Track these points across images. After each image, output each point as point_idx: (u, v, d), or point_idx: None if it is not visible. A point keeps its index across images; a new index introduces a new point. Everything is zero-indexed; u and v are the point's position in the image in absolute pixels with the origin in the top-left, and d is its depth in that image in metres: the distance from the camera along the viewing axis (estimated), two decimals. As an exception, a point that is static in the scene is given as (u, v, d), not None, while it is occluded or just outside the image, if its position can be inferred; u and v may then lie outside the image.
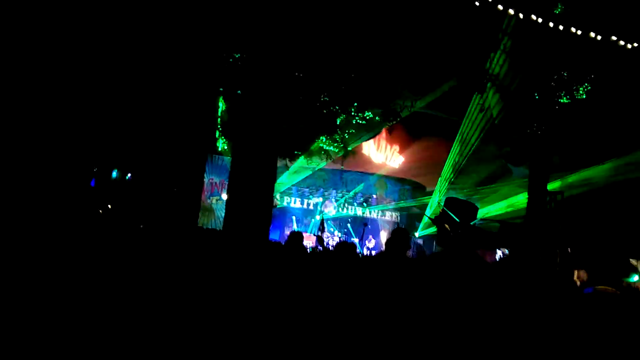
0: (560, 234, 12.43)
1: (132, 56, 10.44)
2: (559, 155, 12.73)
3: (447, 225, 2.46)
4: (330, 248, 17.34)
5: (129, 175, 14.42)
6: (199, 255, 6.02)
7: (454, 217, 2.39)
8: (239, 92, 10.23)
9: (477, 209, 2.52)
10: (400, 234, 3.77)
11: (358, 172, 19.98)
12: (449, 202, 2.56)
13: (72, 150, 11.61)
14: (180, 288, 4.74)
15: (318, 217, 20.48)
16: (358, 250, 14.01)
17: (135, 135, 13.01)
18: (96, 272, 4.99)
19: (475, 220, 2.42)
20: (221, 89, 10.99)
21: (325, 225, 18.78)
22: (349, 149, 14.97)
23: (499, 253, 18.54)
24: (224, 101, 11.80)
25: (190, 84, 11.17)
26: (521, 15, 10.76)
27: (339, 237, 20.48)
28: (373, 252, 19.20)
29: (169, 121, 12.83)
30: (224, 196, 16.75)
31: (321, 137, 13.10)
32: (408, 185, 21.65)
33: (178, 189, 14.87)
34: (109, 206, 13.18)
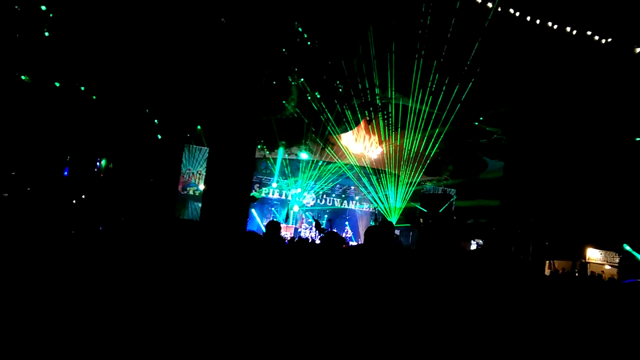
0: (533, 225, 12.70)
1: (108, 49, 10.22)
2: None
3: (421, 219, 2.50)
4: (310, 240, 17.38)
5: (99, 163, 14.13)
6: (176, 245, 5.95)
7: (422, 208, 2.43)
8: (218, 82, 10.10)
9: (448, 196, 2.56)
10: (385, 227, 3.78)
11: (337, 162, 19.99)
12: (422, 197, 2.60)
13: (46, 139, 11.32)
14: (158, 278, 4.68)
15: (297, 209, 20.46)
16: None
17: (111, 125, 12.75)
18: (73, 262, 4.89)
19: (445, 205, 2.46)
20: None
21: (289, 216, 18.80)
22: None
23: (474, 244, 18.88)
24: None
25: (168, 74, 10.98)
26: (499, 9, 10.87)
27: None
28: (352, 243, 19.30)
29: (145, 110, 12.60)
30: (202, 186, 16.59)
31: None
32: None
33: (155, 180, 14.65)
34: (84, 196, 12.92)
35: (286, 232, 18.58)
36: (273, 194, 20.86)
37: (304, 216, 21.44)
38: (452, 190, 18.74)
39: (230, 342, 3.62)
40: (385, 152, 19.02)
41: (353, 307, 2.70)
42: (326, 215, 21.37)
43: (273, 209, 20.86)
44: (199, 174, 17.69)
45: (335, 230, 5.07)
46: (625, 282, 2.47)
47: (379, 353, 2.48)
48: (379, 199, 20.43)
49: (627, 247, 12.70)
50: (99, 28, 9.88)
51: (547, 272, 15.67)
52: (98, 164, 14.25)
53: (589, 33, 11.16)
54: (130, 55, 10.42)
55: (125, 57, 10.48)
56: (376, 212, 22.32)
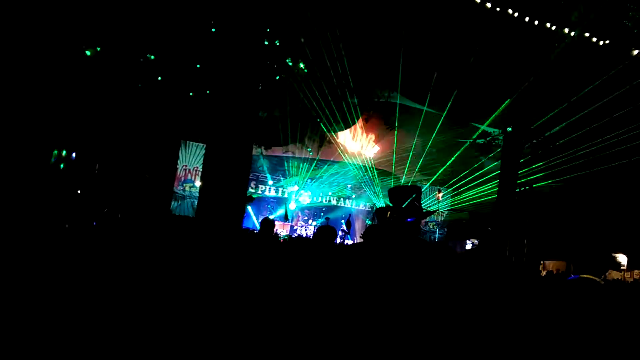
0: (528, 225, 12.74)
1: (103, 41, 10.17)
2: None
3: (388, 212, 2.55)
4: (304, 236, 17.37)
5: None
6: (171, 241, 5.94)
7: (389, 203, 2.48)
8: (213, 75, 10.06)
9: (414, 190, 2.62)
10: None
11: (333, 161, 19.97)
12: (389, 191, 2.66)
13: (42, 134, 11.28)
14: (153, 274, 4.68)
15: (293, 206, 20.45)
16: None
17: (107, 120, 12.71)
18: (67, 257, 4.87)
19: (408, 200, 2.51)
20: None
21: (288, 214, 18.81)
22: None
23: (469, 244, 18.92)
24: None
25: (164, 70, 10.95)
26: (498, 9, 10.88)
27: (314, 226, 20.52)
28: (348, 242, 19.33)
29: (142, 107, 12.56)
30: (198, 183, 16.57)
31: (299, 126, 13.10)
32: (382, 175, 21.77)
33: (150, 176, 14.62)
34: (79, 192, 12.88)
35: (282, 230, 18.58)
36: (269, 192, 20.85)
37: (300, 214, 21.44)
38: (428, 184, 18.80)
39: (225, 338, 3.61)
40: (382, 150, 19.03)
41: (343, 307, 2.70)
42: (322, 214, 21.38)
43: (269, 206, 20.85)
44: (195, 171, 17.65)
45: (329, 225, 5.10)
46: (570, 279, 2.51)
47: (371, 350, 2.48)
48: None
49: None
50: (96, 24, 9.85)
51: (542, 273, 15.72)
52: (93, 159, 14.21)
53: (586, 35, 11.18)
54: (126, 51, 10.39)
55: (121, 53, 10.45)
56: (374, 210, 22.32)
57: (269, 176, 19.86)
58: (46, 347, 3.26)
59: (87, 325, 3.58)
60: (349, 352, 2.79)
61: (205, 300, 4.13)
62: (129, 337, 3.54)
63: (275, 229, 6.28)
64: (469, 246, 19.79)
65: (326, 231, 4.17)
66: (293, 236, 17.18)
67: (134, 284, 4.46)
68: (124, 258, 5.07)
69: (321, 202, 21.66)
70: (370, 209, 22.62)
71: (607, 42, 11.36)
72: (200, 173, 16.10)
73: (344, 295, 3.08)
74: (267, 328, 3.47)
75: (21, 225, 5.56)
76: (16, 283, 4.06)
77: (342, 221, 20.90)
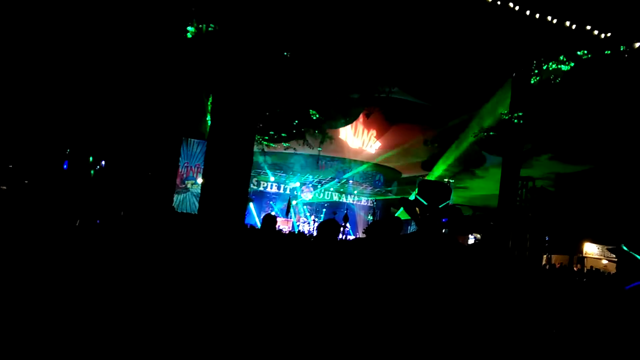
0: (531, 220, 12.70)
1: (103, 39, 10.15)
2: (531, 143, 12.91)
3: (417, 209, 2.48)
4: (306, 232, 17.38)
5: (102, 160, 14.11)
6: (174, 238, 5.95)
7: (422, 200, 2.41)
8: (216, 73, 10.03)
9: (449, 190, 2.55)
10: (392, 222, 3.73)
11: (335, 157, 19.92)
12: (422, 185, 2.58)
13: (45, 133, 11.28)
14: (157, 271, 4.68)
15: (294, 202, 20.45)
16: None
17: (109, 118, 12.71)
18: (71, 255, 4.88)
19: (445, 202, 2.45)
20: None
21: (290, 207, 18.78)
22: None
23: (471, 238, 18.88)
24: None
25: (166, 65, 10.92)
26: (499, 2, 10.81)
27: (315, 222, 20.52)
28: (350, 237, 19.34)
29: (143, 105, 12.55)
30: (200, 180, 16.57)
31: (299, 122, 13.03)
32: (384, 171, 21.74)
33: (153, 173, 14.63)
34: (82, 190, 12.90)
35: (285, 226, 18.59)
36: (271, 188, 20.84)
37: (302, 210, 21.46)
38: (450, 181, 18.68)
39: (227, 336, 3.61)
40: (384, 146, 18.97)
41: (347, 303, 2.69)
42: (324, 210, 21.38)
43: (271, 202, 20.85)
44: (197, 168, 17.65)
45: (334, 218, 5.05)
46: (628, 287, 2.43)
47: (372, 346, 2.47)
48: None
49: (625, 248, 12.23)
50: (97, 24, 9.83)
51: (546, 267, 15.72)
52: (96, 157, 14.22)
53: (588, 28, 11.11)
54: (127, 50, 10.37)
55: (122, 52, 10.43)
56: (374, 206, 22.31)
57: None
58: (50, 342, 3.27)
59: (90, 320, 3.59)
60: (352, 346, 2.78)
61: (208, 296, 4.13)
62: (132, 331, 3.54)
63: (277, 225, 6.28)
64: (471, 241, 19.77)
65: (329, 225, 4.09)
66: (295, 232, 17.18)
67: (138, 280, 4.47)
68: (127, 255, 5.07)
69: (323, 197, 21.64)
70: (371, 206, 22.60)
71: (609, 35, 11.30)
72: (202, 170, 16.10)
73: (346, 292, 3.07)
74: (269, 324, 3.47)
75: (29, 221, 5.57)
76: (24, 277, 4.07)
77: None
